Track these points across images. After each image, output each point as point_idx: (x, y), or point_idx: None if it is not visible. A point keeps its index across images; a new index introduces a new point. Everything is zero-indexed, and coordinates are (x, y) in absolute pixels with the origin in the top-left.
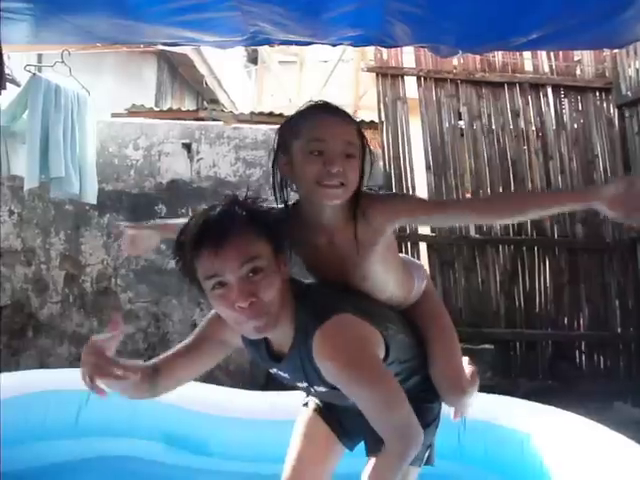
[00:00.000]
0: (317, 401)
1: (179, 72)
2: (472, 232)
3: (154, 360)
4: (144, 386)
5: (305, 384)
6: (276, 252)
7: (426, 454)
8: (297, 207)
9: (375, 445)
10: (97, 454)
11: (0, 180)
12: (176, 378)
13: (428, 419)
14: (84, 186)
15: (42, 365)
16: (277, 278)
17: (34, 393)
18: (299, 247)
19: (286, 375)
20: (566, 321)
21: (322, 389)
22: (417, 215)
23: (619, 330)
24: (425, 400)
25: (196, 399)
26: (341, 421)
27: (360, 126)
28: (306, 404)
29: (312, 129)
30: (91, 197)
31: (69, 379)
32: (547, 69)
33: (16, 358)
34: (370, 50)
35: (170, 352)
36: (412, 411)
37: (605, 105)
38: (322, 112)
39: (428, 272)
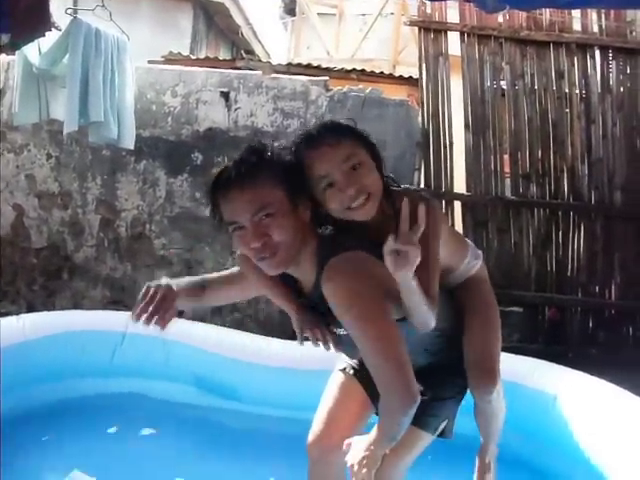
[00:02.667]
0: (352, 363)
1: (215, 21)
2: (507, 193)
3: (205, 277)
4: (191, 300)
5: (332, 325)
6: (292, 197)
7: (441, 425)
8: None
9: None
10: (130, 393)
11: (39, 124)
12: (221, 298)
13: (446, 393)
14: (122, 131)
15: (76, 307)
16: (291, 221)
17: (71, 332)
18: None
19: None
20: (597, 289)
21: (339, 330)
22: None
23: None
24: (449, 374)
25: (228, 345)
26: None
27: (350, 128)
28: (343, 369)
29: (311, 169)
30: (129, 143)
31: (105, 320)
32: (596, 29)
33: (52, 299)
34: (411, 5)
35: (219, 274)
36: (408, 369)
37: None
38: (309, 147)
39: (461, 232)
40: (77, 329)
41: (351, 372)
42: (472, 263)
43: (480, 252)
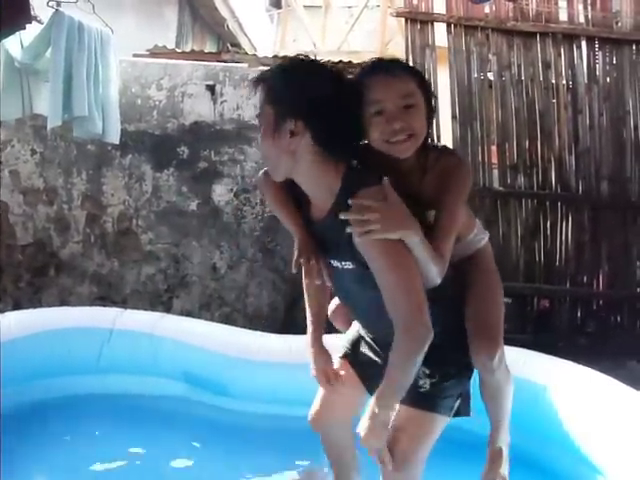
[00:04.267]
0: (347, 346)
1: (200, 14)
2: (495, 184)
3: (312, 326)
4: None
5: (334, 258)
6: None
7: (456, 404)
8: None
9: None
10: (118, 391)
11: (23, 119)
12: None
13: (451, 370)
14: (107, 126)
15: (63, 303)
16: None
17: (58, 329)
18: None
19: (318, 234)
20: (585, 278)
21: (348, 265)
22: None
23: (638, 290)
24: (452, 349)
25: (217, 340)
26: (366, 366)
27: (420, 74)
28: (341, 356)
29: (368, 92)
30: (114, 137)
31: (93, 317)
32: (582, 20)
33: (38, 296)
34: None
35: (312, 316)
36: (426, 307)
37: None
38: (374, 72)
39: None
40: (64, 326)
41: (346, 357)
42: (479, 236)
43: (485, 231)
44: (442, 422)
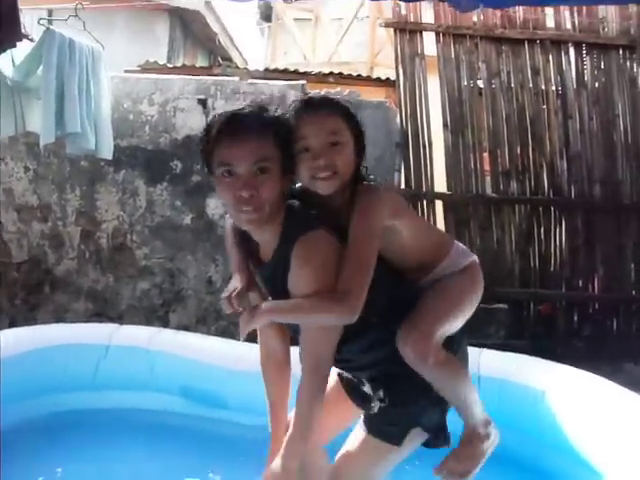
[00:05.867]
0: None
1: (191, 29)
2: (488, 191)
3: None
4: None
5: (269, 290)
6: (284, 162)
7: (407, 436)
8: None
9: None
10: (115, 406)
11: (16, 136)
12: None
13: (401, 397)
14: (100, 142)
15: (59, 320)
16: (278, 184)
17: (54, 346)
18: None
19: (261, 279)
20: (581, 282)
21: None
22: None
23: (633, 292)
24: (405, 378)
25: (213, 353)
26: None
27: (348, 112)
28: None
29: (297, 129)
30: (107, 153)
31: (89, 333)
32: (569, 26)
33: (33, 313)
34: (387, 7)
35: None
36: (334, 346)
37: (629, 63)
38: (302, 111)
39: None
40: (60, 343)
41: (340, 377)
42: (458, 261)
43: (472, 255)
44: (387, 451)
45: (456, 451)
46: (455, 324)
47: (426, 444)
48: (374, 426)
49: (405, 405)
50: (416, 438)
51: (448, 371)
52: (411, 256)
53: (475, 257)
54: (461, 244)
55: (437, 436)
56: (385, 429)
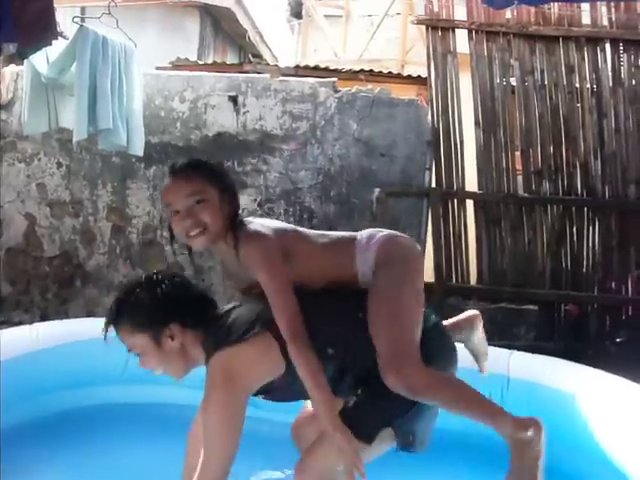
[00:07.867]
0: None
1: (221, 26)
2: (520, 190)
3: None
4: None
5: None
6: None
7: (378, 435)
8: None
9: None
10: (145, 400)
11: (49, 132)
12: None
13: (373, 395)
14: (131, 138)
15: (89, 314)
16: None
17: (84, 340)
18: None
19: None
20: (614, 285)
21: None
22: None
23: None
24: (377, 378)
25: None
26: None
27: (211, 170)
28: None
29: (163, 197)
30: (138, 149)
31: None
32: (606, 22)
33: (65, 307)
34: (418, 4)
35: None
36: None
37: None
38: (169, 178)
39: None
40: (91, 337)
41: None
42: (369, 252)
43: (380, 231)
44: (362, 449)
45: (512, 467)
46: (417, 314)
47: (403, 448)
48: (347, 420)
49: (377, 404)
50: (386, 440)
51: (442, 382)
52: (323, 273)
53: (382, 232)
54: (368, 230)
55: (407, 439)
56: (357, 423)
